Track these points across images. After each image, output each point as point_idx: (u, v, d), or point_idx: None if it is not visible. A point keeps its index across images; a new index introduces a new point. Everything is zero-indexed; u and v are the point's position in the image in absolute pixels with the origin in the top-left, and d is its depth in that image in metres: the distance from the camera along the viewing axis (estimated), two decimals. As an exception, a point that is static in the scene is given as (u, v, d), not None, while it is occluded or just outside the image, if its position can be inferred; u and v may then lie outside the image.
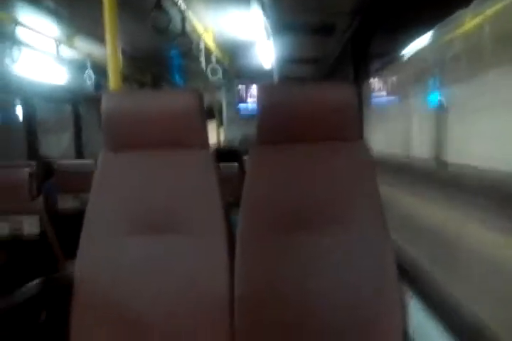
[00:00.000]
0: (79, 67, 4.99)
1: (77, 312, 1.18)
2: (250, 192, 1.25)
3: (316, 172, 1.27)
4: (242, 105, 8.15)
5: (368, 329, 1.16)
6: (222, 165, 1.37)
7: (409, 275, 1.28)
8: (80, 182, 2.20)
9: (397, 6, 3.30)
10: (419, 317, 1.16)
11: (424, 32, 3.91)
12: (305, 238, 1.21)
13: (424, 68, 4.75)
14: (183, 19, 3.43)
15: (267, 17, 3.68)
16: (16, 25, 3.75)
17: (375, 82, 6.27)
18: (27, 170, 1.96)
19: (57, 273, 1.38)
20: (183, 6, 3.33)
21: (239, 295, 1.17)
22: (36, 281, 1.13)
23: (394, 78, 6.56)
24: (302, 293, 1.18)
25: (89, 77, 4.71)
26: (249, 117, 7.55)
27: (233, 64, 6.47)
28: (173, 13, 3.17)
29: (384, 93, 6.91)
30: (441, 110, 4.38)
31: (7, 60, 3.86)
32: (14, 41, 3.84)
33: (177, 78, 7.56)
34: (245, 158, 1.98)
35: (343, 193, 1.24)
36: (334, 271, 1.19)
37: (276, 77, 6.94)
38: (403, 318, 1.15)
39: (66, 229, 1.74)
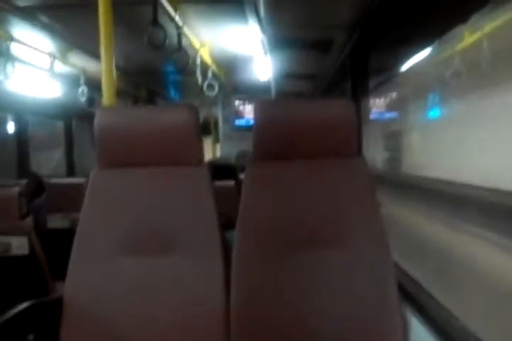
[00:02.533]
0: (73, 82, 4.98)
1: (67, 334, 1.15)
2: (247, 208, 1.23)
3: (314, 189, 1.25)
4: (238, 120, 8.17)
5: None
6: (217, 181, 1.37)
7: (410, 294, 1.25)
8: (70, 200, 2.16)
9: (396, 22, 3.31)
10: (420, 337, 1.14)
11: (423, 47, 3.93)
12: (303, 255, 1.18)
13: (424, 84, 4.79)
14: (180, 35, 3.42)
15: (264, 32, 3.68)
16: (10, 41, 3.75)
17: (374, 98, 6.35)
18: (16, 189, 1.92)
19: (46, 296, 1.33)
20: (179, 22, 3.32)
21: (235, 314, 1.13)
22: (24, 304, 1.10)
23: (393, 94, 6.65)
24: (300, 313, 1.15)
25: (82, 93, 4.69)
26: (245, 130, 7.55)
27: (230, 79, 6.49)
28: (170, 28, 3.15)
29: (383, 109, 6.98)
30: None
31: (0, 76, 3.83)
32: (8, 57, 3.82)
33: (172, 93, 7.55)
34: (241, 174, 1.97)
35: (342, 210, 1.22)
36: (332, 289, 1.16)
37: (273, 93, 6.98)
38: (404, 337, 1.12)
39: (55, 248, 1.70)
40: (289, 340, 1.14)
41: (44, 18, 3.66)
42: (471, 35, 3.83)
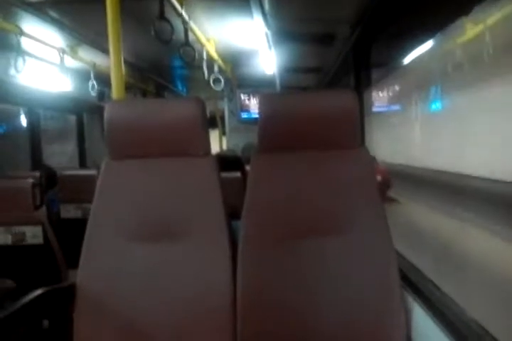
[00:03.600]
0: (82, 76, 5.03)
1: (80, 320, 1.18)
2: (252, 199, 1.26)
3: (318, 180, 1.28)
4: (244, 113, 8.20)
5: (371, 336, 1.15)
6: (224, 172, 1.38)
7: (412, 283, 1.27)
8: (82, 191, 2.22)
9: (398, 15, 3.32)
10: (422, 325, 1.15)
11: (426, 40, 3.92)
12: (307, 246, 1.21)
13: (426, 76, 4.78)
14: (187, 30, 3.46)
15: (269, 27, 3.71)
16: (20, 35, 3.80)
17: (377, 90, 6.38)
18: (30, 180, 1.97)
19: (60, 283, 1.38)
20: (186, 17, 3.37)
21: (241, 302, 1.16)
22: (38, 291, 1.13)
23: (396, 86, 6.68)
24: (305, 301, 1.18)
25: (92, 87, 4.75)
26: (251, 123, 7.58)
27: (235, 73, 6.51)
28: (176, 23, 3.20)
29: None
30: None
31: (12, 70, 3.90)
32: (19, 51, 3.88)
33: (180, 87, 7.60)
34: (247, 166, 1.99)
35: (346, 201, 1.24)
36: (337, 279, 1.19)
37: (278, 86, 6.99)
38: (406, 326, 1.14)
39: (68, 238, 1.76)
40: (294, 326, 1.17)
41: (53, 13, 3.71)
42: (473, 27, 3.82)
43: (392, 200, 6.67)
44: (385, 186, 6.75)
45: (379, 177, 6.79)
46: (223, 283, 1.18)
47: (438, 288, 1.26)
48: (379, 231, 1.20)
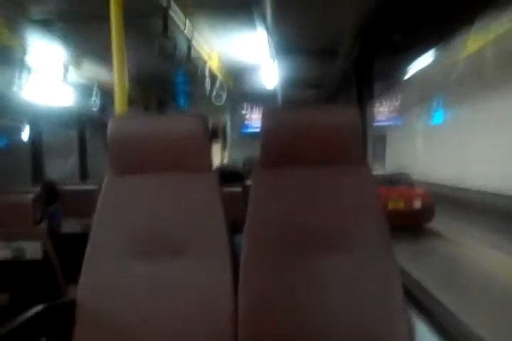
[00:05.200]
0: (85, 91, 5.06)
1: (79, 337, 1.16)
2: (254, 214, 1.25)
3: (320, 195, 1.27)
4: (246, 127, 8.23)
5: None
6: (225, 187, 1.37)
7: (415, 298, 1.25)
8: (83, 206, 2.20)
9: (400, 29, 3.34)
10: (425, 338, 1.13)
11: (426, 53, 3.93)
12: (309, 260, 1.20)
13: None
14: (189, 47, 3.49)
15: (272, 40, 3.74)
16: (25, 51, 3.83)
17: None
18: (31, 195, 1.94)
19: (59, 299, 1.36)
20: (189, 34, 3.39)
21: (243, 318, 1.15)
22: (38, 307, 1.12)
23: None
24: (307, 315, 1.17)
25: (95, 101, 4.77)
26: (252, 137, 7.59)
27: (237, 87, 6.56)
28: (180, 39, 3.23)
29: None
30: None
31: (15, 86, 3.92)
32: (22, 67, 3.91)
33: (182, 102, 7.65)
34: (248, 180, 1.97)
35: (348, 216, 1.24)
36: (339, 293, 1.17)
37: (280, 100, 7.02)
38: (410, 339, 1.13)
39: (69, 253, 1.72)
40: (296, 333, 1.15)
41: (58, 30, 3.76)
42: (475, 42, 3.84)
43: (435, 235, 5.26)
44: (426, 214, 5.54)
45: (418, 203, 5.78)
46: (225, 298, 1.16)
47: (441, 304, 1.24)
48: (381, 247, 1.19)
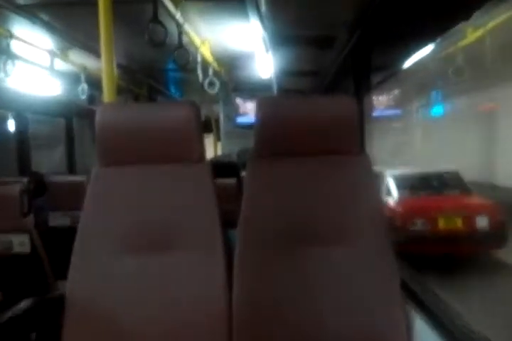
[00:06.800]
0: (73, 79, 4.97)
1: (69, 332, 1.13)
2: (248, 206, 1.22)
3: (316, 187, 1.24)
4: (240, 117, 8.17)
5: None
6: (219, 179, 1.34)
7: (413, 293, 1.22)
8: (71, 198, 2.15)
9: (398, 19, 3.30)
10: (423, 335, 1.11)
11: (426, 44, 3.90)
12: (304, 253, 1.18)
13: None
14: (180, 32, 3.41)
15: (266, 29, 3.67)
16: (10, 38, 3.74)
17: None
18: (18, 186, 1.90)
19: (47, 293, 1.33)
20: (180, 19, 3.31)
21: (237, 310, 1.12)
22: (26, 302, 1.08)
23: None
24: (302, 309, 1.14)
25: (82, 90, 4.69)
26: (246, 128, 7.55)
27: (231, 76, 6.48)
28: (170, 26, 3.14)
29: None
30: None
31: (1, 74, 3.83)
32: (8, 55, 3.81)
33: (173, 91, 7.54)
34: (243, 172, 1.97)
35: (344, 208, 1.21)
36: (336, 288, 1.15)
37: (275, 90, 6.97)
38: (407, 336, 1.11)
39: (57, 247, 1.69)
40: (292, 336, 1.13)
41: (44, 16, 3.67)
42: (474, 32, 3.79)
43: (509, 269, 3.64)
44: (495, 237, 3.84)
45: (484, 221, 3.66)
46: (218, 293, 1.13)
47: (440, 299, 1.21)
48: (379, 239, 1.17)
